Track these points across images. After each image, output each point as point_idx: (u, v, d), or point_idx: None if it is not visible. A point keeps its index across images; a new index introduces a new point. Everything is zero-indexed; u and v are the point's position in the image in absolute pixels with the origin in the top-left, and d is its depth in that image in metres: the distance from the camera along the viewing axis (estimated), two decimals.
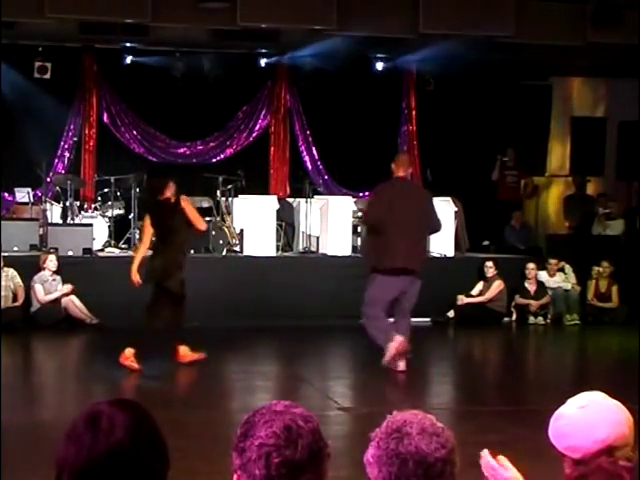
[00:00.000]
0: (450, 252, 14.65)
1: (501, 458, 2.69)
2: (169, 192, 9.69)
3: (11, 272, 12.54)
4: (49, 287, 12.56)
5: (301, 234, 14.67)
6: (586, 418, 2.60)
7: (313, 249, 14.43)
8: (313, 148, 16.79)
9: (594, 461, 2.41)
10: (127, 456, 1.97)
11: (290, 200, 15.52)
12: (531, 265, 14.14)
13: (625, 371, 10.19)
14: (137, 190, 14.47)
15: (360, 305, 10.06)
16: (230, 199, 14.70)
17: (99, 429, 1.99)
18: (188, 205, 9.76)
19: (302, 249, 14.53)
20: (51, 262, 12.55)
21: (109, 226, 14.36)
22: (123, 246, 14.34)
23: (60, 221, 14.37)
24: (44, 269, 12.54)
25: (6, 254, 12.71)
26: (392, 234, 9.45)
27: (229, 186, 14.69)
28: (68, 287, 12.52)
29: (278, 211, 14.16)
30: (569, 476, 2.35)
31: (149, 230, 9.85)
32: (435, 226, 9.95)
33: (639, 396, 6.79)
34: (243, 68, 16.22)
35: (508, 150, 16.57)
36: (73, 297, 12.55)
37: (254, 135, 16.77)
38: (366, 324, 9.87)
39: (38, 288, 12.48)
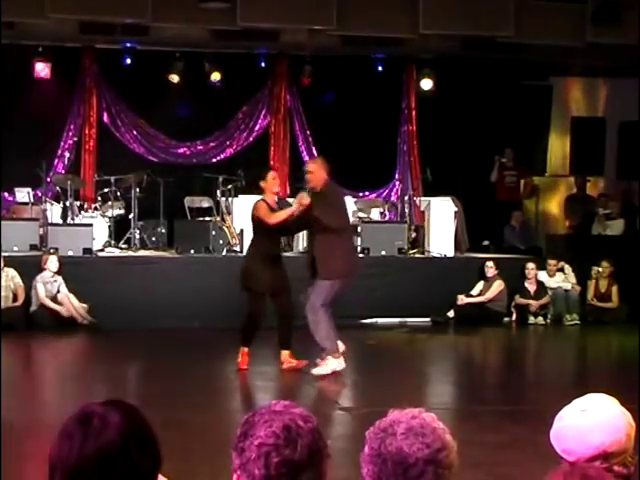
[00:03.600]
0: (450, 252, 14.65)
1: None
2: None
3: (11, 272, 12.54)
4: (50, 288, 12.56)
5: (301, 234, 14.66)
6: (584, 423, 2.58)
7: None
8: (313, 148, 16.79)
9: (580, 468, 2.39)
10: (118, 456, 1.99)
11: (290, 200, 15.50)
12: (531, 265, 14.14)
13: (625, 371, 10.19)
14: (137, 190, 14.47)
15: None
16: (230, 199, 14.70)
17: (91, 428, 2.00)
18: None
19: (302, 249, 14.52)
20: (52, 263, 12.54)
21: (109, 226, 14.36)
22: (123, 246, 14.34)
23: (60, 221, 14.37)
24: (45, 269, 12.54)
25: (6, 254, 12.72)
26: (349, 238, 10.06)
27: (229, 186, 14.69)
28: (75, 302, 12.54)
29: None
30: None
31: None
32: None
33: (639, 396, 6.78)
34: (243, 68, 16.22)
35: (506, 150, 16.55)
36: (71, 296, 12.56)
37: (254, 135, 16.77)
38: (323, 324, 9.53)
39: (40, 288, 12.47)
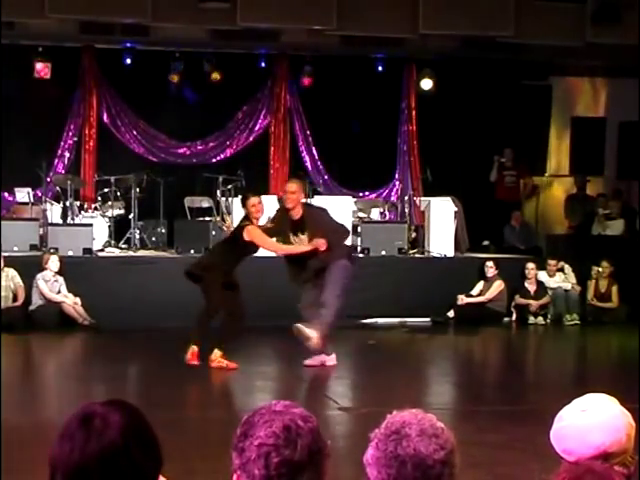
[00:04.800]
0: (450, 252, 14.65)
1: None
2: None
3: (11, 272, 12.54)
4: (51, 287, 12.57)
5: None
6: (584, 422, 2.58)
7: None
8: (313, 148, 16.79)
9: (585, 464, 2.39)
10: (119, 456, 1.98)
11: None
12: (531, 265, 14.14)
13: (625, 371, 10.19)
14: (137, 190, 14.48)
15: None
16: (230, 199, 14.69)
17: (92, 429, 2.00)
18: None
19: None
20: (52, 263, 12.55)
21: (109, 226, 14.36)
22: (123, 246, 14.34)
23: (60, 221, 14.37)
24: (46, 269, 12.54)
25: (6, 254, 12.72)
26: None
27: (229, 186, 14.69)
28: (74, 299, 12.54)
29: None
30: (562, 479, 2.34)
31: None
32: None
33: (639, 396, 6.79)
34: (243, 68, 16.22)
35: (505, 150, 16.55)
36: (70, 295, 12.56)
37: (254, 135, 16.77)
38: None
39: (42, 284, 12.48)
